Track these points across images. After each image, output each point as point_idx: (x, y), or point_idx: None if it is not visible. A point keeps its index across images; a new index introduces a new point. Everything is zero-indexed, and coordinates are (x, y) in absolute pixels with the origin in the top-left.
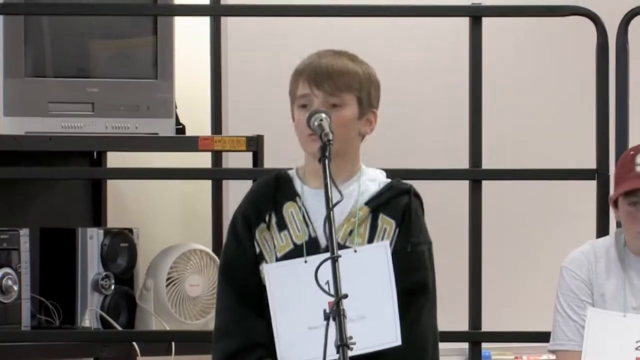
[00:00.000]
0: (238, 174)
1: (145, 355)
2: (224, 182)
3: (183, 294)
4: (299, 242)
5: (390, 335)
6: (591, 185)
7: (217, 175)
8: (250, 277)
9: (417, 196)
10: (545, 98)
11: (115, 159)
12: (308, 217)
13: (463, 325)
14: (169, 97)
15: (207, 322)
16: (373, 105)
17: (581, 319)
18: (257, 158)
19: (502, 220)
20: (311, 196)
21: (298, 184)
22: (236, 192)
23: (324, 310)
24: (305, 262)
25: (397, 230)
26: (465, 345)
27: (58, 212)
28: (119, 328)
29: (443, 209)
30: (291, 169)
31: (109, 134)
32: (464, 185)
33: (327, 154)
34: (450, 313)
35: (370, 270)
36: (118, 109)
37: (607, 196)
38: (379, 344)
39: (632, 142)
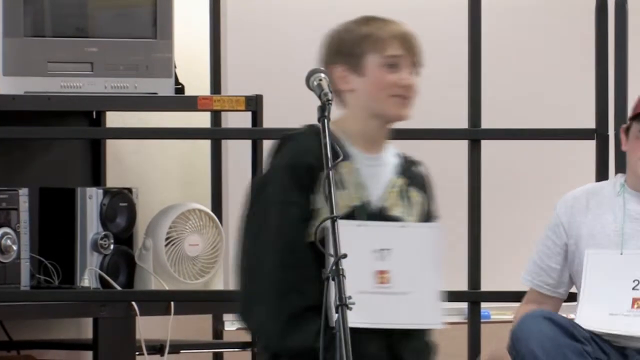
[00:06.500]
0: (237, 133)
1: (144, 315)
2: (223, 142)
3: (182, 254)
4: (353, 204)
5: (434, 317)
6: (590, 145)
7: (216, 134)
8: (305, 234)
9: None
10: (544, 57)
11: (114, 119)
12: (361, 180)
13: (462, 285)
14: (168, 57)
15: (206, 281)
16: None
17: (544, 263)
18: (257, 118)
19: (501, 181)
20: (363, 159)
21: (347, 145)
22: (235, 152)
23: (373, 273)
24: (361, 225)
25: (425, 204)
26: (464, 305)
27: (57, 172)
28: (118, 288)
29: (442, 169)
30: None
31: (108, 93)
32: (462, 145)
33: (326, 113)
34: (450, 273)
35: (418, 249)
36: (117, 69)
37: (606, 156)
38: (420, 323)
39: (631, 102)
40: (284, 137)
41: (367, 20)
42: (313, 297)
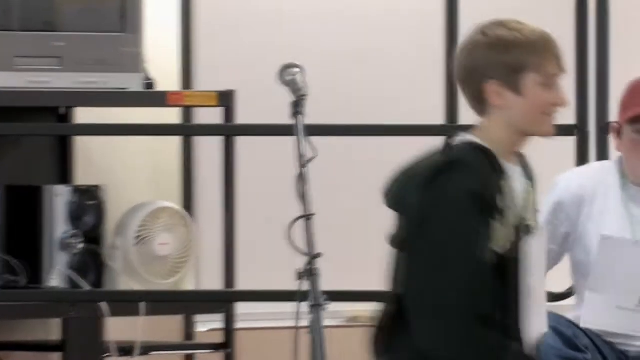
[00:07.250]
0: (209, 130)
1: (113, 316)
2: (194, 139)
3: (152, 253)
4: (518, 222)
5: (545, 323)
6: (570, 142)
7: (190, 131)
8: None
9: None
10: None
11: (83, 115)
12: (515, 196)
13: None
14: (137, 51)
15: (177, 281)
16: None
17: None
18: (229, 114)
19: None
20: (514, 174)
21: (500, 160)
22: (205, 149)
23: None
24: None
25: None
26: None
27: (24, 169)
28: (87, 288)
29: None
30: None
31: (76, 89)
32: (439, 142)
33: (299, 109)
34: None
35: (539, 255)
36: (85, 64)
37: (587, 152)
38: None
39: (613, 96)
40: (452, 160)
41: (517, 28)
42: (499, 321)
